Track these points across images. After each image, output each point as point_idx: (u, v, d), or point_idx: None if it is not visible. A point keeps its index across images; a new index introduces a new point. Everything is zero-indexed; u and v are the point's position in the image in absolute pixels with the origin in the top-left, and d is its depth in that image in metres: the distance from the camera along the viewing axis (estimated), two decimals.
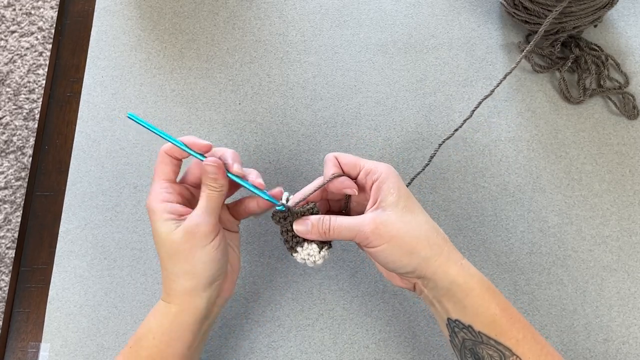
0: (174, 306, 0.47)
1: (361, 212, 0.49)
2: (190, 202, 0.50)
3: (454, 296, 0.46)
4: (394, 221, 0.45)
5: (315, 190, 0.49)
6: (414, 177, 0.58)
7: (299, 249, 0.49)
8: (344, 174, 0.49)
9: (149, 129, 0.49)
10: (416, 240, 0.46)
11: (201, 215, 0.46)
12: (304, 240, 0.49)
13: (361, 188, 0.49)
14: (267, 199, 0.49)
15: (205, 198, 0.47)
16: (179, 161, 0.50)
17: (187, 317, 0.47)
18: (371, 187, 0.48)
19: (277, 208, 0.49)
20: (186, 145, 0.48)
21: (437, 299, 0.47)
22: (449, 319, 0.47)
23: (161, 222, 0.46)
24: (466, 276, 0.46)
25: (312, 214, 0.49)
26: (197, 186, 0.50)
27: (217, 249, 0.47)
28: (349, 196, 0.51)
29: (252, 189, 0.49)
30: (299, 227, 0.49)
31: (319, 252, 0.49)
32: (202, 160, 0.48)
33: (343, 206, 0.51)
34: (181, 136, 0.64)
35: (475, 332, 0.46)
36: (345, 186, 0.48)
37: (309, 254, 0.49)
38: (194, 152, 0.48)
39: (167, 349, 0.47)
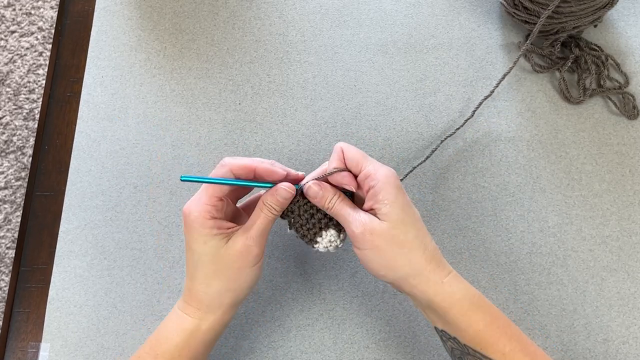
0: (204, 323, 0.47)
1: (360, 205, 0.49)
2: (226, 214, 0.50)
3: (435, 311, 0.46)
4: (380, 233, 0.45)
5: (316, 179, 0.49)
6: (409, 171, 0.58)
7: (319, 238, 0.50)
8: (346, 168, 0.49)
9: (210, 183, 0.47)
10: (397, 257, 0.45)
11: (256, 237, 0.47)
12: (321, 229, 0.49)
13: (360, 186, 0.49)
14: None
15: (263, 219, 0.47)
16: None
17: (215, 333, 0.48)
18: (368, 191, 0.47)
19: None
20: (257, 182, 0.48)
21: (422, 309, 0.48)
22: (435, 327, 0.48)
23: (211, 237, 0.46)
24: (445, 294, 0.45)
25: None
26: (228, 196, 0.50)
27: (261, 267, 0.48)
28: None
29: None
30: (314, 187, 0.48)
31: (339, 236, 0.50)
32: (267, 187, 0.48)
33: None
34: (181, 135, 0.64)
35: (461, 344, 0.46)
36: (345, 182, 0.48)
37: (330, 240, 0.50)
38: (264, 183, 0.49)
39: None
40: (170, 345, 0.47)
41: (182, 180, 0.46)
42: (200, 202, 0.47)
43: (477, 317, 0.45)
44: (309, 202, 0.49)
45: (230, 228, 0.48)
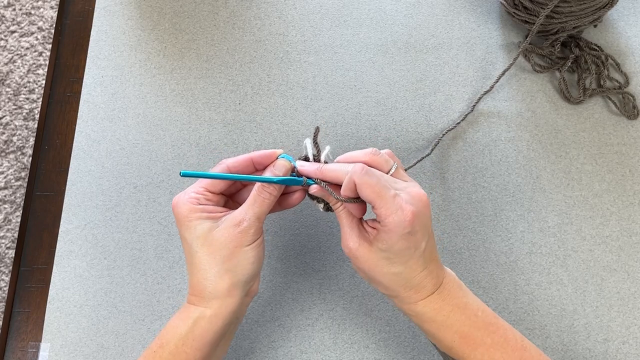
0: (208, 310, 0.46)
1: None
2: (220, 204, 0.50)
3: (412, 320, 0.48)
4: (365, 260, 0.46)
5: (333, 184, 0.47)
6: (412, 164, 0.59)
7: (320, 205, 0.50)
8: (358, 198, 0.46)
9: (211, 178, 0.48)
10: (377, 280, 0.47)
11: (252, 219, 0.46)
12: (326, 205, 0.50)
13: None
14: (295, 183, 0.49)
15: (260, 203, 0.47)
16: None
17: (221, 320, 0.47)
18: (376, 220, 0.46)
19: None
20: (255, 176, 0.49)
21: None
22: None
23: (200, 221, 0.46)
24: (418, 313, 0.46)
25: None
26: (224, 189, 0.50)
27: (259, 247, 0.47)
28: None
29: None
30: (318, 193, 0.48)
31: None
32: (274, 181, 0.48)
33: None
34: (181, 135, 0.64)
35: (441, 351, 0.48)
36: (355, 211, 0.47)
37: (329, 209, 0.50)
38: (262, 177, 0.48)
39: (196, 353, 0.46)
40: (175, 334, 0.46)
41: (181, 176, 0.46)
42: (187, 192, 0.48)
43: (452, 330, 0.46)
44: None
45: (221, 212, 0.48)
